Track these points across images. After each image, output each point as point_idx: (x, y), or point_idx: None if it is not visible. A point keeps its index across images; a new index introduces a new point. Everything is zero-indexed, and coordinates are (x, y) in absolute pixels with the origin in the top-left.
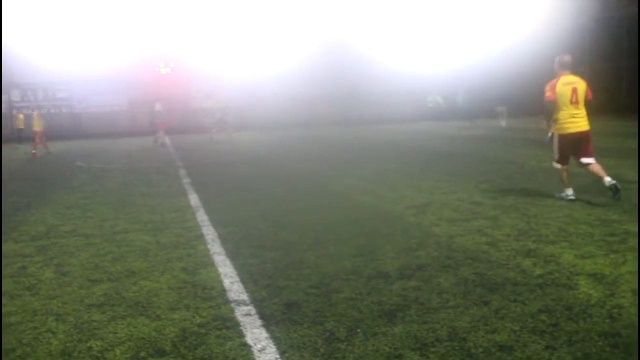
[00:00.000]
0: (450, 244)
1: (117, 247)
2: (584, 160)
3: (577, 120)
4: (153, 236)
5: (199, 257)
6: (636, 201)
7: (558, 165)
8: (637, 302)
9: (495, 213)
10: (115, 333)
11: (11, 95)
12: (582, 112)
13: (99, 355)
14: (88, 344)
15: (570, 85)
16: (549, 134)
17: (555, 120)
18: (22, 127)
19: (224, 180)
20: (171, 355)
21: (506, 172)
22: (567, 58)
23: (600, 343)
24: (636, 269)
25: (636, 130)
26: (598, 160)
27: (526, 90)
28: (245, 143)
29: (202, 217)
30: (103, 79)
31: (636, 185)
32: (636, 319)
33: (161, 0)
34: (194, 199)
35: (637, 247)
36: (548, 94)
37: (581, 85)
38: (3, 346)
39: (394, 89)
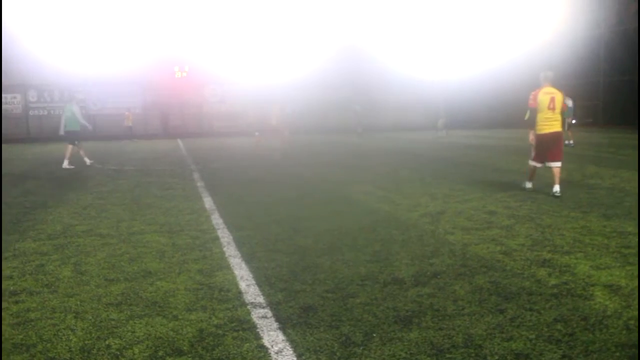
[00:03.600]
0: (465, 252)
1: (133, 248)
2: (551, 164)
3: (551, 123)
4: (169, 238)
5: (215, 260)
6: (613, 208)
7: (532, 163)
8: None
9: (510, 222)
10: (134, 332)
11: (28, 95)
12: (556, 116)
13: (118, 353)
14: (107, 342)
15: (549, 95)
16: (570, 142)
17: (535, 123)
18: (131, 124)
19: (238, 184)
20: (189, 355)
21: (520, 182)
22: (549, 73)
23: (617, 354)
24: None
25: None
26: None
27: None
28: (260, 148)
29: (217, 220)
30: (118, 82)
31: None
32: None
33: (179, 4)
34: (208, 202)
35: None
36: (530, 102)
37: (558, 95)
38: (25, 341)
39: (408, 97)
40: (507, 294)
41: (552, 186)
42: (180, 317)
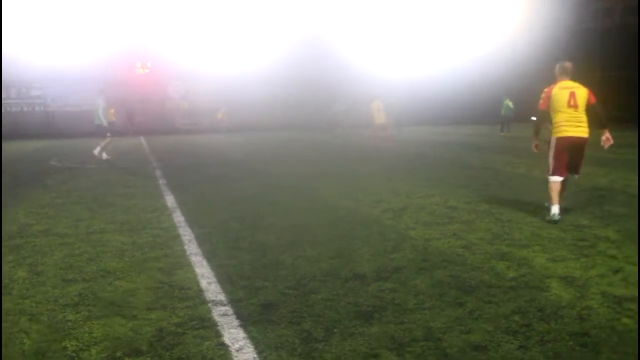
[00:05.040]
0: (426, 246)
1: (93, 247)
2: (575, 175)
3: (577, 124)
4: (129, 237)
5: (176, 258)
6: (607, 207)
7: (553, 178)
8: (605, 303)
9: (470, 217)
10: (91, 333)
11: None
12: (581, 116)
13: (74, 355)
14: (63, 344)
15: (568, 90)
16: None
17: (553, 126)
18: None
19: (200, 181)
20: (148, 355)
21: (482, 177)
22: (567, 64)
23: (570, 343)
24: (605, 272)
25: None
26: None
27: (496, 98)
28: (222, 145)
29: (178, 218)
30: (78, 78)
31: (605, 192)
32: (604, 319)
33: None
34: (170, 200)
35: (605, 251)
36: (540, 102)
37: (581, 90)
38: None
39: (372, 94)
40: (466, 287)
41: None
42: (139, 316)
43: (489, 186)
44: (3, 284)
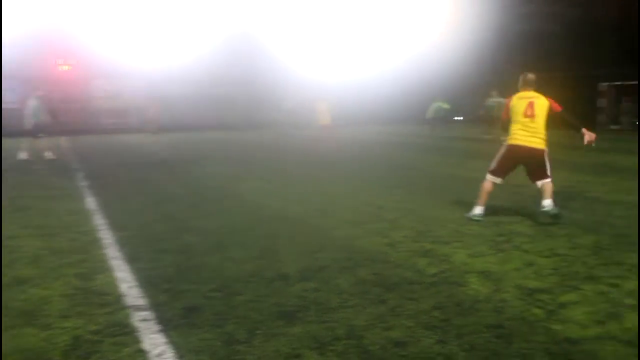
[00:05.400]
0: (351, 245)
1: (6, 254)
2: (539, 182)
3: (530, 135)
4: (45, 241)
5: (95, 263)
6: (526, 204)
7: (490, 177)
8: (518, 295)
9: (396, 216)
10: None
11: None
12: (537, 127)
13: None
14: None
15: (527, 100)
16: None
17: (509, 133)
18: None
19: (123, 183)
20: None
21: (410, 177)
22: (530, 76)
23: (486, 335)
24: (519, 266)
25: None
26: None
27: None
28: (148, 145)
29: (98, 220)
30: None
31: (522, 189)
32: (517, 311)
33: None
34: (91, 202)
35: (520, 246)
36: (502, 113)
37: (540, 100)
38: None
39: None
40: (389, 284)
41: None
42: (54, 325)
43: (416, 185)
44: None
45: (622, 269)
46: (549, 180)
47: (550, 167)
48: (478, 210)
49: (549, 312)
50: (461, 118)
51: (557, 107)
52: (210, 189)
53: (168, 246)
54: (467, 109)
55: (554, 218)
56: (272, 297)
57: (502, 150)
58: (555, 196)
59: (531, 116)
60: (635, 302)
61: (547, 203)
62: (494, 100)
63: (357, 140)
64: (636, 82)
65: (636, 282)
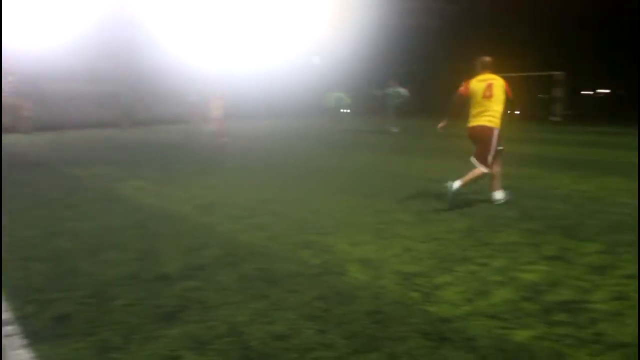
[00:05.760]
0: (234, 241)
1: None
2: (472, 159)
3: (485, 114)
4: None
5: None
6: (403, 194)
7: (480, 167)
8: (396, 281)
9: (280, 208)
10: None
11: None
12: (494, 106)
13: None
14: None
15: (485, 82)
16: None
17: (448, 117)
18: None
19: None
20: None
21: (296, 168)
22: (486, 59)
23: (365, 321)
24: (398, 252)
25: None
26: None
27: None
28: (19, 145)
29: None
30: None
31: (404, 179)
32: (395, 295)
33: None
34: None
35: (400, 233)
36: (461, 88)
37: (498, 81)
38: None
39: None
40: (272, 278)
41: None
42: None
43: (301, 176)
44: None
45: (491, 248)
46: (483, 167)
47: (495, 150)
48: (499, 195)
49: (424, 295)
50: (348, 110)
51: (509, 92)
52: (89, 190)
53: (37, 253)
54: (360, 101)
55: (446, 197)
56: (150, 299)
57: (469, 135)
58: (428, 184)
59: (489, 96)
60: (502, 278)
61: (456, 184)
62: (394, 90)
63: (250, 133)
64: (509, 75)
65: (504, 260)
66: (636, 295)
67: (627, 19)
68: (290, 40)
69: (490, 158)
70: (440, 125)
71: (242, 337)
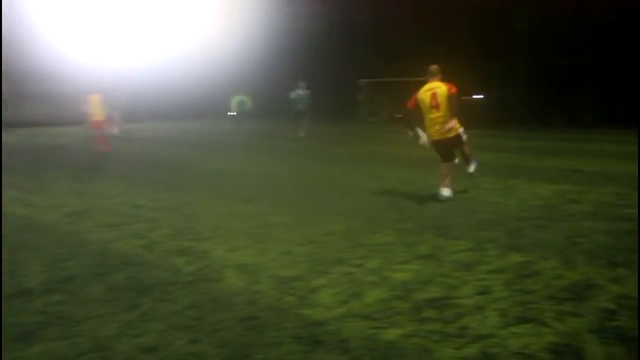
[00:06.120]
0: (105, 250)
1: None
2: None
3: (439, 127)
4: None
5: None
6: (284, 198)
7: (442, 164)
8: (273, 285)
9: (155, 215)
10: None
11: None
12: (443, 116)
13: None
14: None
15: (430, 91)
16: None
17: (414, 127)
18: None
19: None
20: None
21: (174, 173)
22: (433, 67)
23: (238, 328)
24: (276, 256)
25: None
26: (454, 166)
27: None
28: None
29: None
30: None
31: (286, 182)
32: (271, 300)
33: None
34: None
35: (279, 236)
36: (408, 103)
37: (441, 89)
38: None
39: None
40: (143, 288)
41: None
42: None
43: (181, 181)
44: None
45: (367, 249)
46: (452, 163)
47: (466, 146)
48: (446, 192)
49: (300, 298)
50: (234, 113)
51: (453, 90)
52: None
53: None
54: (266, 104)
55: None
56: (10, 317)
57: (433, 146)
58: (310, 188)
59: (436, 106)
60: (376, 278)
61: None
62: (300, 92)
63: (141, 136)
64: (391, 80)
65: (378, 260)
66: (498, 288)
67: (496, 33)
68: (181, 39)
69: (468, 150)
70: (410, 134)
71: (108, 352)
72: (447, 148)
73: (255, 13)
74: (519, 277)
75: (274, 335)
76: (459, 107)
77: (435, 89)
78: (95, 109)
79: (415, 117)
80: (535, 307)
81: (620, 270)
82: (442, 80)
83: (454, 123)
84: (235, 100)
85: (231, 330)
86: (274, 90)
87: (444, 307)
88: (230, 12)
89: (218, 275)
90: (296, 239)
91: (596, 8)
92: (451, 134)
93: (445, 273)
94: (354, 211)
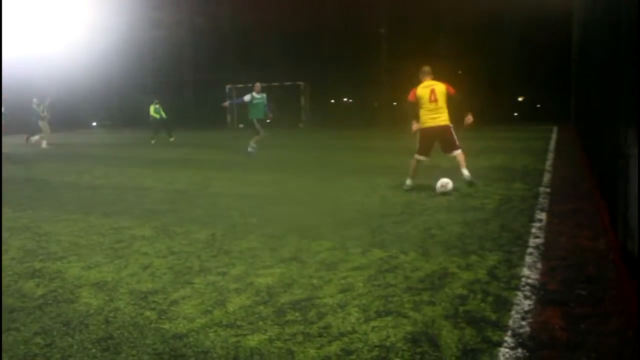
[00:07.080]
0: None
1: None
2: (451, 154)
3: (435, 116)
4: None
5: None
6: (148, 206)
7: (417, 157)
8: (132, 301)
9: (3, 236)
10: None
11: None
12: (440, 108)
13: None
14: None
15: (429, 88)
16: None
17: (418, 118)
18: None
19: None
20: None
21: (27, 191)
22: (426, 68)
23: (93, 350)
24: (136, 270)
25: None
26: (463, 151)
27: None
28: None
29: None
30: None
31: (149, 192)
32: (128, 317)
33: None
34: None
35: (139, 249)
36: (409, 96)
37: (439, 86)
38: None
39: None
40: None
41: (459, 170)
42: None
43: (33, 200)
44: None
45: (231, 256)
46: (459, 150)
47: (458, 139)
48: (408, 181)
49: (160, 312)
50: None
51: (452, 91)
52: None
53: None
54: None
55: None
56: None
57: (419, 134)
58: (173, 197)
59: (435, 101)
60: (240, 285)
61: (466, 173)
62: (156, 106)
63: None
64: (264, 85)
65: (242, 267)
66: (360, 285)
67: (363, 40)
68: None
69: (457, 143)
70: (414, 127)
71: None
72: (433, 139)
73: (118, 17)
74: (380, 272)
75: (131, 353)
76: (462, 98)
77: (433, 86)
78: None
79: (412, 109)
80: (395, 300)
81: (472, 257)
82: (435, 79)
83: (446, 115)
84: (152, 107)
85: (84, 353)
86: (138, 98)
87: (307, 308)
88: (93, 17)
89: (72, 295)
90: (157, 251)
91: None
92: (443, 123)
93: (309, 274)
94: (217, 218)
